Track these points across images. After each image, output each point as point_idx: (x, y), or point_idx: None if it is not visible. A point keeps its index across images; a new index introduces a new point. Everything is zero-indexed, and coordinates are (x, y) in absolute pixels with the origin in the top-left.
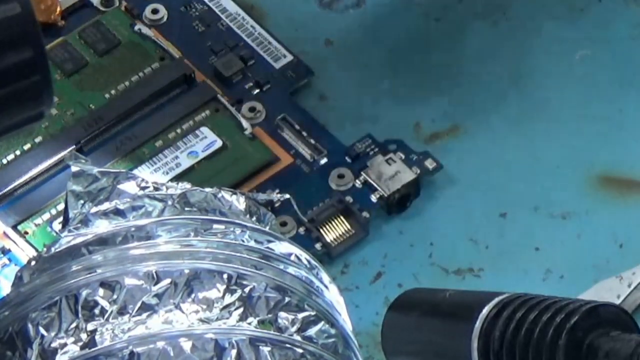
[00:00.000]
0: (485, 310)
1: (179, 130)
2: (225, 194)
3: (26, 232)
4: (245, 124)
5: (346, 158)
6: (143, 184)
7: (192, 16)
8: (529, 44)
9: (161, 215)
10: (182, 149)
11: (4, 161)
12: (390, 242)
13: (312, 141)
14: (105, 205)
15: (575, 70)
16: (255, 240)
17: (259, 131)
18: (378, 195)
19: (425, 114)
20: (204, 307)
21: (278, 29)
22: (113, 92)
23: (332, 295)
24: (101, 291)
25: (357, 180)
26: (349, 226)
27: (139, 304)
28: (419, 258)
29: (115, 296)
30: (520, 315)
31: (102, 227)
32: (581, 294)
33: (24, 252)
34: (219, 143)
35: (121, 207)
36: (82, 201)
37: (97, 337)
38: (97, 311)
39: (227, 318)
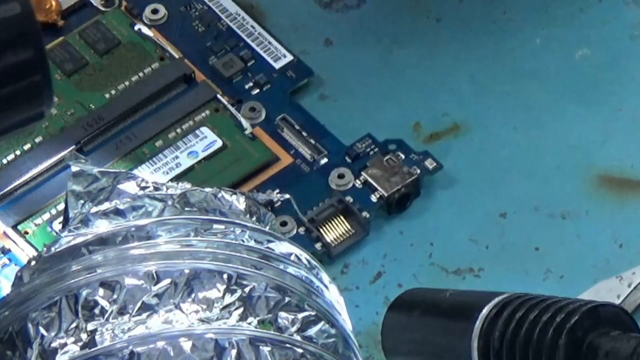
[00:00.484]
0: (485, 310)
1: (179, 130)
2: (225, 194)
3: (26, 232)
4: (245, 124)
5: (346, 158)
6: (143, 184)
7: (192, 16)
8: (529, 43)
9: (161, 215)
10: (182, 149)
11: (4, 161)
12: (390, 242)
13: (312, 141)
14: (105, 205)
15: (575, 70)
16: (255, 240)
17: (259, 131)
18: (378, 195)
19: (425, 114)
20: (204, 307)
21: (278, 29)
22: (113, 92)
23: (332, 295)
24: (101, 291)
25: (357, 180)
26: (349, 226)
27: (139, 304)
28: (419, 258)
29: (115, 296)
30: (520, 315)
31: (102, 227)
32: (581, 294)
33: (24, 252)
34: (219, 143)
35: (121, 207)
36: (82, 201)
37: (97, 337)
38: (97, 311)
39: (227, 318)
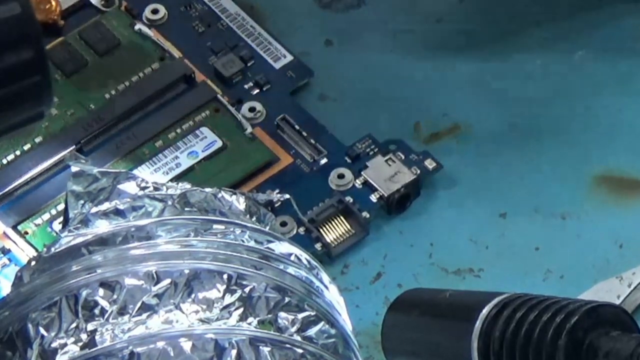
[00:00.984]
0: (485, 310)
1: (179, 130)
2: (225, 194)
3: (26, 232)
4: (245, 124)
5: (346, 158)
6: (143, 184)
7: (192, 16)
8: (529, 43)
9: (161, 216)
10: (182, 149)
11: (4, 161)
12: (390, 242)
13: (312, 141)
14: (105, 206)
15: (575, 70)
16: (255, 241)
17: (259, 131)
18: (378, 195)
19: (425, 114)
20: (204, 307)
21: (278, 29)
22: (113, 92)
23: (332, 295)
24: (101, 291)
25: (357, 180)
26: (349, 226)
27: (139, 304)
28: (419, 258)
29: (115, 296)
30: (520, 315)
31: (102, 227)
32: (581, 294)
33: (24, 252)
34: (219, 143)
35: (121, 207)
36: (82, 201)
37: (97, 337)
38: (97, 311)
39: (227, 318)
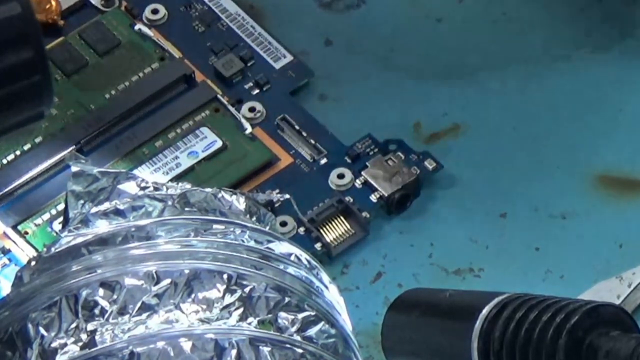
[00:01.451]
0: (485, 310)
1: (179, 130)
2: (225, 194)
3: (26, 232)
4: (245, 124)
5: (346, 158)
6: (143, 184)
7: (192, 16)
8: (529, 44)
9: (161, 216)
10: (182, 149)
11: (4, 161)
12: (390, 242)
13: (312, 141)
14: (105, 205)
15: (575, 70)
16: (255, 240)
17: (259, 131)
18: (378, 195)
19: (425, 114)
20: (204, 307)
21: (278, 29)
22: (113, 92)
23: (332, 295)
24: (101, 291)
25: (357, 180)
26: (349, 226)
27: (139, 304)
28: (419, 258)
29: (115, 296)
30: (520, 315)
31: (102, 227)
32: (581, 294)
33: (24, 252)
34: (219, 143)
35: (121, 207)
36: (82, 201)
37: (97, 337)
38: (97, 311)
39: (227, 318)
